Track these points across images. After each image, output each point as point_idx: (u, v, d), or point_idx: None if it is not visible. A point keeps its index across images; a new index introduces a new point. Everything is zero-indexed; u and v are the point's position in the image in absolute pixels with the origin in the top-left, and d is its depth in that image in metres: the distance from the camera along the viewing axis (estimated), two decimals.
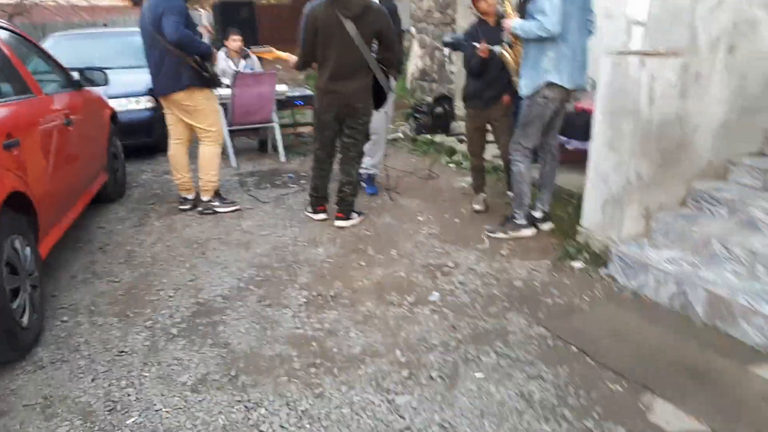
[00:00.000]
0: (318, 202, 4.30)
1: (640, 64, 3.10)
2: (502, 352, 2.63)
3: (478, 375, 2.47)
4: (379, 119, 4.49)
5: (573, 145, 4.81)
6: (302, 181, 5.30)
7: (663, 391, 2.33)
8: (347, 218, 4.18)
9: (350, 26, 3.72)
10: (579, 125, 4.53)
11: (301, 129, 7.01)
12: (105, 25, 12.56)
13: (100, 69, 4.47)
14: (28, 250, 2.76)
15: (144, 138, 6.09)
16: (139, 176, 5.62)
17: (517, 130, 3.79)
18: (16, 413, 2.26)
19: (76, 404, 2.30)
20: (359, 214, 4.29)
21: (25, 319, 2.61)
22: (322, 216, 4.30)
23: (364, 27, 3.77)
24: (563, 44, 3.45)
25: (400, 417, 2.21)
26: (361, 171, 4.55)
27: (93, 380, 2.45)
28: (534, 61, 3.54)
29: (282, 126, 6.37)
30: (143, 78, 5.97)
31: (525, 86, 3.63)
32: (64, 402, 2.32)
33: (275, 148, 6.31)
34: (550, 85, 3.53)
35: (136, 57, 6.76)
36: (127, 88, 5.96)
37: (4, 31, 3.47)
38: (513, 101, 4.10)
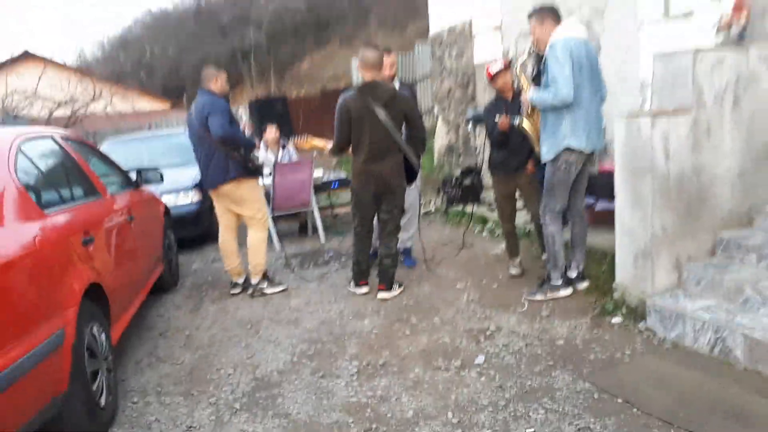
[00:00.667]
0: (360, 277, 4.53)
1: (652, 124, 3.33)
2: (550, 407, 2.73)
3: (529, 431, 2.56)
4: (411, 195, 4.78)
5: (600, 205, 4.99)
6: (343, 259, 5.55)
7: None
8: (389, 290, 4.38)
9: (380, 112, 4.08)
10: (604, 186, 4.73)
11: (337, 210, 7.35)
12: (150, 128, 13.54)
13: (155, 169, 4.91)
14: (103, 336, 3.04)
15: (192, 229, 6.49)
16: (190, 266, 5.96)
17: (544, 196, 4.00)
18: None
19: None
20: (400, 285, 4.49)
21: (102, 400, 2.85)
22: (364, 290, 4.51)
23: (393, 111, 4.13)
24: (578, 110, 3.70)
25: None
26: (398, 245, 4.79)
27: None
28: (552, 128, 3.79)
29: (320, 209, 6.71)
30: (189, 173, 6.49)
31: (546, 152, 3.87)
32: None
33: (315, 230, 6.63)
34: (569, 149, 3.76)
35: (180, 155, 7.37)
36: (175, 184, 6.41)
37: (72, 141, 3.92)
38: (537, 168, 4.35)
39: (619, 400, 2.73)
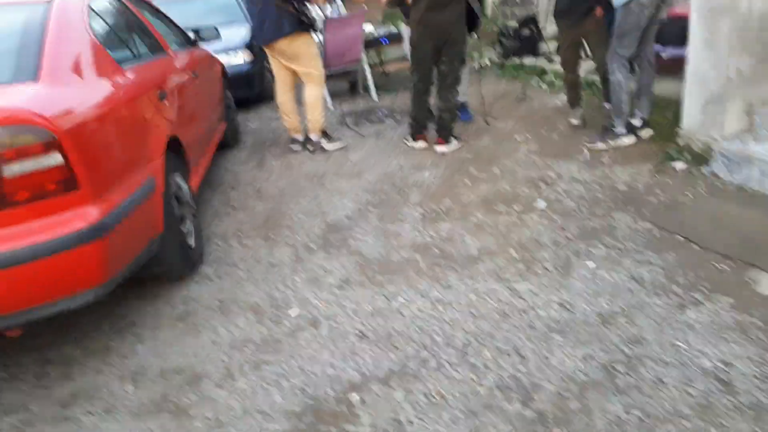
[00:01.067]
0: (417, 131, 4.57)
1: None
2: (611, 244, 2.86)
3: (590, 264, 2.72)
4: None
5: (669, 52, 4.76)
6: (397, 116, 5.58)
7: None
8: (447, 143, 4.44)
9: None
10: (674, 32, 4.47)
11: (388, 67, 7.23)
12: None
13: (211, 26, 4.88)
14: (185, 185, 3.25)
15: (246, 89, 6.55)
16: (249, 125, 6.11)
17: (613, 41, 3.84)
18: (200, 313, 2.77)
19: (246, 303, 2.78)
20: (458, 139, 4.53)
21: (192, 241, 3.13)
22: (421, 144, 4.57)
23: None
24: None
25: (521, 299, 2.52)
26: None
27: (255, 286, 2.92)
28: None
29: (370, 66, 6.62)
30: (238, 32, 6.42)
31: None
32: (234, 303, 2.81)
33: (366, 88, 6.60)
34: None
35: (227, 13, 7.25)
36: (226, 44, 6.36)
37: None
38: (606, 13, 4.13)
39: (680, 238, 2.82)
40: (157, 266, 2.89)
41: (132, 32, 3.56)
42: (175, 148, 3.23)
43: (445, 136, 4.44)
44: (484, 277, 2.73)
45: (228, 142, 5.20)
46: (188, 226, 3.14)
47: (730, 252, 2.63)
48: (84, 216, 2.22)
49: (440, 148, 4.44)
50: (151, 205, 2.74)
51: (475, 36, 4.50)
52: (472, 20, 4.22)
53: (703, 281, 2.48)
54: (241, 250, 3.33)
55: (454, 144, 4.48)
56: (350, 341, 2.39)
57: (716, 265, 2.57)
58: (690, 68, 3.56)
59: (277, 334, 2.51)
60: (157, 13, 4.36)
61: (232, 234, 3.56)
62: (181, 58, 4.08)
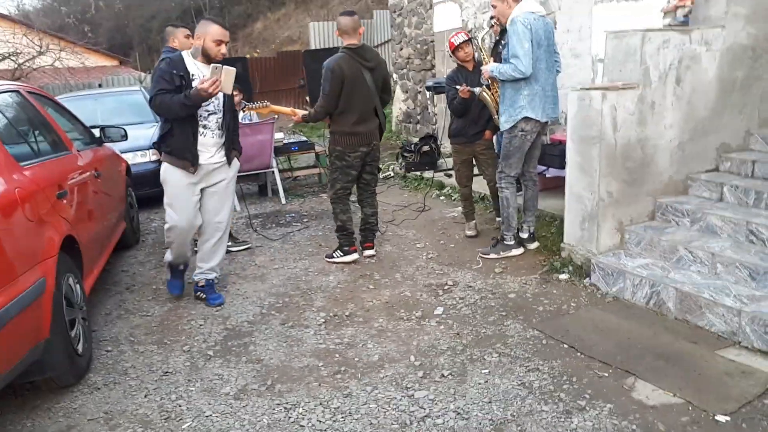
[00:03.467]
0: (350, 241, 4.47)
1: (602, 97, 3.59)
2: (503, 351, 3.01)
3: (484, 371, 2.83)
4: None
5: (551, 173, 5.30)
6: (305, 220, 5.69)
7: (643, 374, 2.71)
8: (373, 247, 4.58)
9: (368, 76, 4.20)
10: (555, 155, 5.02)
11: (297, 173, 7.44)
12: (100, 85, 13.08)
13: (117, 126, 4.87)
14: (78, 287, 3.11)
15: (151, 188, 6.46)
16: (150, 224, 5.98)
17: (500, 161, 4.25)
18: (82, 427, 2.58)
19: (135, 416, 2.63)
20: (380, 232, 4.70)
21: (80, 347, 2.95)
22: (355, 256, 4.47)
23: (377, 75, 4.26)
24: (535, 83, 3.94)
25: (420, 408, 2.57)
26: None
27: (146, 396, 2.77)
28: (511, 99, 4.02)
29: (280, 171, 6.79)
30: (146, 132, 6.45)
31: (504, 122, 4.10)
32: (123, 415, 2.64)
33: (275, 192, 6.72)
34: (527, 119, 4.01)
35: (136, 113, 7.31)
36: (134, 143, 6.35)
37: (37, 95, 3.88)
38: (494, 136, 4.59)
39: (565, 345, 3.03)
40: (39, 373, 2.71)
41: (33, 129, 3.51)
42: (70, 247, 3.12)
43: (372, 240, 4.59)
44: (384, 385, 2.77)
45: (128, 242, 5.05)
46: (77, 331, 2.97)
47: (610, 360, 2.86)
48: None
49: (369, 252, 4.55)
50: (39, 307, 2.61)
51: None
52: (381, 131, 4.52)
53: (586, 388, 2.65)
54: (133, 356, 3.17)
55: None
56: None
57: (598, 372, 2.77)
58: (568, 189, 3.97)
59: None
60: (62, 110, 4.33)
61: (125, 338, 3.40)
62: (84, 156, 4.02)
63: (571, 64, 5.53)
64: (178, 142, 3.47)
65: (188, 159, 3.48)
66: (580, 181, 3.84)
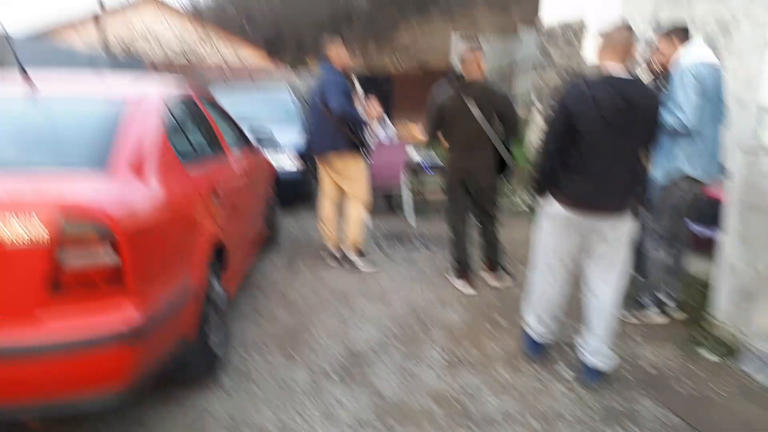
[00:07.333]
0: (462, 272, 4.56)
1: None
2: None
3: None
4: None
5: (700, 231, 4.85)
6: (432, 246, 5.69)
7: None
8: (501, 278, 4.58)
9: (472, 105, 4.20)
10: (707, 212, 4.59)
11: (428, 195, 7.44)
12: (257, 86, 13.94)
13: (272, 137, 5.12)
14: (223, 291, 3.31)
15: (292, 194, 6.79)
16: (289, 230, 6.24)
17: (652, 217, 3.95)
18: (210, 427, 2.73)
19: (257, 426, 2.74)
20: (510, 275, 4.66)
21: (219, 350, 3.13)
22: (463, 283, 4.52)
23: (487, 107, 4.23)
24: (698, 137, 3.62)
25: None
26: None
27: (269, 409, 2.88)
28: (668, 152, 3.72)
29: (411, 191, 6.84)
30: (291, 135, 6.80)
31: (660, 176, 3.80)
32: (246, 424, 2.76)
33: (402, 210, 6.78)
34: (685, 177, 3.69)
35: (284, 115, 7.68)
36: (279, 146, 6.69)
37: (205, 99, 4.15)
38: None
39: None
40: (180, 372, 2.89)
41: (198, 132, 3.71)
42: (219, 252, 3.32)
43: (495, 269, 4.61)
44: None
45: (268, 246, 5.32)
46: (219, 335, 3.15)
47: None
48: (125, 317, 2.25)
49: (493, 283, 4.60)
50: (188, 309, 2.78)
51: (506, 181, 4.69)
52: (502, 165, 4.42)
53: None
54: (263, 365, 3.32)
55: (507, 279, 4.61)
56: None
57: None
58: (722, 257, 3.61)
59: None
60: (224, 115, 4.63)
61: (256, 345, 3.56)
62: (238, 159, 4.24)
63: (733, 113, 5.03)
64: None
65: None
66: (739, 252, 3.48)
